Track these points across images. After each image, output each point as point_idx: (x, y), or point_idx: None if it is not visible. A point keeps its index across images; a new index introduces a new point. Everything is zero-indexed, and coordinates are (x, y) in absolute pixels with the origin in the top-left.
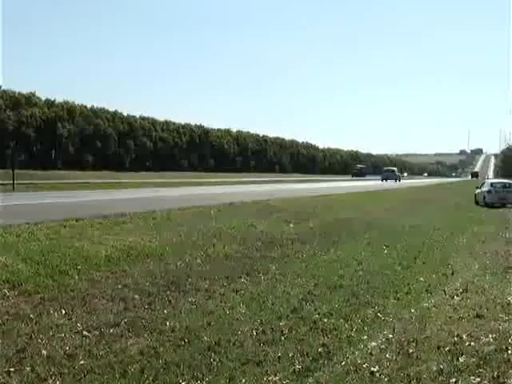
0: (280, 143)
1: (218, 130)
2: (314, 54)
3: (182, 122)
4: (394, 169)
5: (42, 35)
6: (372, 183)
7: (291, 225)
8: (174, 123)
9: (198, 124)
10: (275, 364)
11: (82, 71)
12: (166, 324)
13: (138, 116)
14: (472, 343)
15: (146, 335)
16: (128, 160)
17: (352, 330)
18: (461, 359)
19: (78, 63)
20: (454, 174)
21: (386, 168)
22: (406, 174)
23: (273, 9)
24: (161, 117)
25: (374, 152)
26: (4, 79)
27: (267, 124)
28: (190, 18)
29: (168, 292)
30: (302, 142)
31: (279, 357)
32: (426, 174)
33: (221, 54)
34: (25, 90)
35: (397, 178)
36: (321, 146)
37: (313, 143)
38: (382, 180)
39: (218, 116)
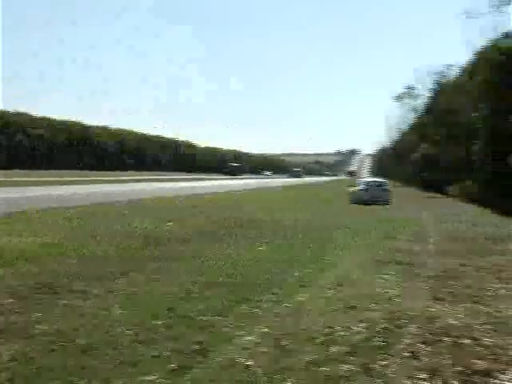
0: (161, 142)
1: (98, 127)
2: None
3: (59, 119)
4: (299, 169)
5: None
6: (252, 181)
7: (170, 223)
8: (53, 120)
9: (76, 121)
10: (151, 364)
11: None
12: (38, 328)
13: (13, 111)
14: (343, 333)
15: (16, 340)
16: (2, 158)
17: (228, 326)
18: (332, 349)
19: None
20: (327, 173)
21: (294, 169)
22: (267, 173)
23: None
24: (38, 113)
25: (255, 151)
26: None
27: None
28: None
29: (41, 294)
30: (183, 141)
31: (155, 356)
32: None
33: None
34: None
35: (300, 176)
36: (201, 145)
37: (193, 142)
38: (294, 177)
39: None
